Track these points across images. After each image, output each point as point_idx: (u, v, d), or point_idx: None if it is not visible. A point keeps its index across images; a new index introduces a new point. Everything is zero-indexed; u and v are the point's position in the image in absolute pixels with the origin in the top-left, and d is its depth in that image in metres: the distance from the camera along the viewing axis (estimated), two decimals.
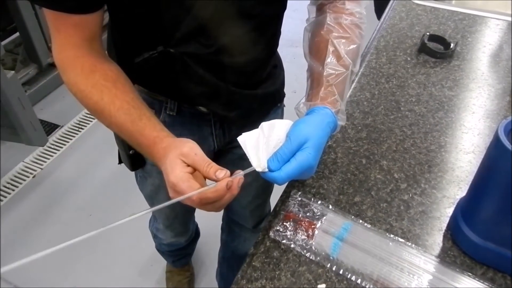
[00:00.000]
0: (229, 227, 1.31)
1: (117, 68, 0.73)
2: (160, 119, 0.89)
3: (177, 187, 0.58)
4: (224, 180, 0.57)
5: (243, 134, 0.63)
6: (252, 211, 1.17)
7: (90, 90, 0.69)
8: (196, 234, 1.57)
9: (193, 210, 1.27)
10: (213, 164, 0.59)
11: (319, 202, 0.76)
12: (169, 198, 0.98)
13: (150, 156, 0.68)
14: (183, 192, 0.57)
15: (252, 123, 0.94)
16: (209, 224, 1.49)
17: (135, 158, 0.94)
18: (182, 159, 0.59)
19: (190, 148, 0.60)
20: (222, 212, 1.33)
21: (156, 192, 1.08)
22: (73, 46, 0.70)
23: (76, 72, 0.70)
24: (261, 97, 0.91)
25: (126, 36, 0.80)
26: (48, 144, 2.23)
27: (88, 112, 0.80)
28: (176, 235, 1.32)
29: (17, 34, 2.41)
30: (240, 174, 0.60)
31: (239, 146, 1.00)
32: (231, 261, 1.40)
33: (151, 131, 0.67)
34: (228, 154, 1.02)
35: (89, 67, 0.70)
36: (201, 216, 1.53)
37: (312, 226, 0.72)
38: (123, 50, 0.82)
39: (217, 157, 1.02)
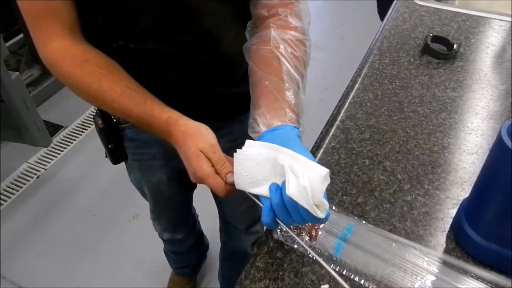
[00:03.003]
0: (225, 227, 1.31)
1: (105, 55, 0.74)
2: None
3: (205, 181, 0.64)
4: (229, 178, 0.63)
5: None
6: (243, 213, 1.16)
7: (87, 79, 0.70)
8: (199, 241, 1.57)
9: (179, 207, 1.28)
10: (227, 164, 0.64)
11: None
12: (151, 190, 1.10)
13: (163, 136, 0.70)
14: (210, 185, 0.64)
15: (226, 123, 0.94)
16: (210, 223, 1.49)
17: (114, 152, 0.96)
18: (204, 153, 0.64)
19: (209, 146, 0.65)
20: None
21: (140, 186, 1.13)
22: (57, 38, 0.71)
23: (67, 62, 0.71)
24: (231, 97, 0.89)
25: (91, 27, 0.79)
26: (52, 144, 2.24)
27: (94, 107, 0.81)
28: (165, 229, 1.35)
29: (21, 35, 2.42)
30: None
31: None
32: (231, 261, 1.40)
33: (160, 112, 0.69)
34: None
35: (79, 56, 0.71)
36: (202, 217, 1.54)
37: (315, 227, 0.72)
38: (90, 40, 0.81)
39: None
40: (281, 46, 0.70)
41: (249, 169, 0.61)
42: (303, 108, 0.69)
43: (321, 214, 0.54)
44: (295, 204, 0.54)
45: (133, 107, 0.70)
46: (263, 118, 0.65)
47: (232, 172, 0.63)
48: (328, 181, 0.55)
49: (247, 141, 0.62)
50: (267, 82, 0.68)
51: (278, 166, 0.58)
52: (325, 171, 0.54)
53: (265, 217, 0.58)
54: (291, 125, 0.64)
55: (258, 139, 0.65)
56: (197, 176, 0.65)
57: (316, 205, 0.54)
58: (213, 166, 0.64)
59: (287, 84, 0.67)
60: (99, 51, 0.74)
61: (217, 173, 0.64)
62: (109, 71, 0.71)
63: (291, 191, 0.53)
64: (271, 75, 0.69)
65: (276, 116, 0.65)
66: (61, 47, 0.72)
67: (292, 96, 0.67)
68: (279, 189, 0.57)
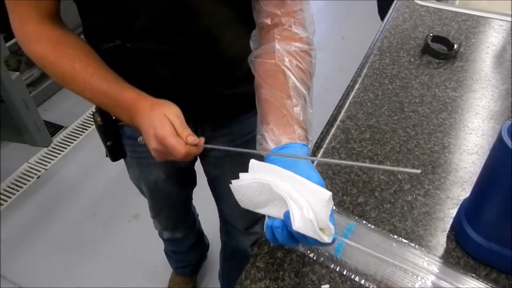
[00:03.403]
0: (225, 227, 1.31)
1: (81, 39, 0.77)
2: None
3: (165, 140, 0.66)
4: (190, 138, 0.67)
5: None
6: (242, 213, 1.16)
7: (61, 60, 0.73)
8: (199, 240, 1.57)
9: (178, 206, 1.28)
10: (188, 129, 0.68)
11: None
12: (149, 188, 1.09)
13: (129, 113, 0.72)
14: (170, 144, 0.66)
15: (225, 123, 0.95)
16: (210, 223, 1.49)
17: (113, 149, 0.96)
18: (167, 116, 0.67)
19: (174, 113, 0.68)
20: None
21: (138, 183, 1.13)
22: (34, 22, 0.73)
23: (42, 44, 0.74)
24: (230, 97, 0.89)
25: (90, 25, 0.82)
26: (52, 145, 2.24)
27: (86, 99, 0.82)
28: (164, 228, 1.35)
29: None
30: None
31: (216, 149, 1.01)
32: (231, 261, 1.40)
33: (131, 90, 0.73)
34: (207, 157, 1.04)
35: (55, 38, 0.74)
36: (202, 217, 1.54)
37: None
38: (89, 38, 0.84)
39: (195, 158, 1.06)
40: (286, 59, 0.69)
41: (249, 195, 0.60)
42: (311, 122, 0.68)
43: (327, 239, 0.54)
44: (302, 234, 0.54)
45: (104, 86, 0.72)
46: (271, 135, 0.65)
47: (193, 135, 0.67)
48: (331, 203, 0.55)
49: (241, 174, 0.62)
50: (274, 98, 0.68)
51: (275, 192, 0.57)
52: (327, 194, 0.54)
53: (269, 238, 0.59)
54: (300, 143, 0.63)
55: (267, 156, 0.64)
56: (159, 135, 0.66)
57: (322, 229, 0.54)
58: (175, 130, 0.67)
59: (294, 100, 0.67)
60: (75, 36, 0.77)
61: (178, 135, 0.67)
62: (83, 53, 0.74)
63: (297, 225, 0.53)
64: (278, 89, 0.68)
65: (284, 133, 0.64)
66: (37, 29, 0.74)
67: (300, 112, 0.66)
68: (285, 227, 0.56)
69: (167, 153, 0.68)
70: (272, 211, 0.59)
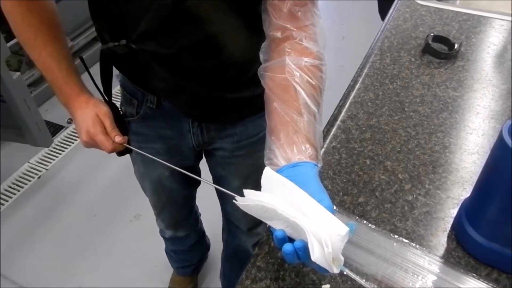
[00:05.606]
0: (228, 226, 1.31)
1: (53, 12, 0.81)
2: (142, 110, 0.92)
3: (95, 136, 0.82)
4: (117, 138, 0.83)
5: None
6: (245, 214, 1.15)
7: (25, 27, 0.80)
8: (201, 240, 1.57)
9: (181, 203, 1.28)
10: (116, 130, 0.84)
11: None
12: (153, 185, 1.15)
13: (66, 101, 0.86)
14: (99, 141, 0.82)
15: (230, 125, 0.95)
16: (212, 224, 1.49)
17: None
18: (100, 117, 0.83)
19: (104, 114, 0.84)
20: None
21: (142, 179, 1.14)
22: None
23: (14, 4, 0.77)
24: (234, 101, 0.89)
25: (98, 23, 0.84)
26: (53, 145, 2.24)
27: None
28: (167, 226, 1.35)
29: None
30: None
31: (221, 149, 1.01)
32: (233, 261, 1.40)
33: (76, 83, 0.85)
34: (213, 157, 1.04)
35: (26, 4, 0.77)
36: (205, 218, 1.54)
37: None
38: (99, 34, 0.86)
39: (200, 157, 1.08)
40: (297, 74, 0.68)
41: (254, 212, 0.60)
42: (321, 140, 0.67)
43: (336, 270, 0.54)
44: (310, 261, 0.54)
45: (55, 69, 0.82)
46: (282, 152, 0.64)
47: (120, 135, 0.83)
48: (347, 238, 0.55)
49: (246, 191, 0.61)
50: (285, 113, 0.67)
51: (280, 214, 0.57)
52: (345, 230, 0.54)
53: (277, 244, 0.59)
54: (312, 162, 0.62)
55: (278, 170, 0.63)
56: (90, 132, 0.82)
57: (333, 259, 0.54)
58: (105, 129, 0.83)
59: (305, 117, 0.65)
60: (48, 3, 0.80)
61: (108, 133, 0.82)
62: (48, 28, 0.80)
63: (316, 257, 0.53)
64: (289, 105, 0.67)
65: (295, 150, 0.63)
66: None
67: (311, 130, 0.65)
68: (294, 252, 0.56)
69: (95, 146, 0.85)
70: (278, 225, 0.58)
